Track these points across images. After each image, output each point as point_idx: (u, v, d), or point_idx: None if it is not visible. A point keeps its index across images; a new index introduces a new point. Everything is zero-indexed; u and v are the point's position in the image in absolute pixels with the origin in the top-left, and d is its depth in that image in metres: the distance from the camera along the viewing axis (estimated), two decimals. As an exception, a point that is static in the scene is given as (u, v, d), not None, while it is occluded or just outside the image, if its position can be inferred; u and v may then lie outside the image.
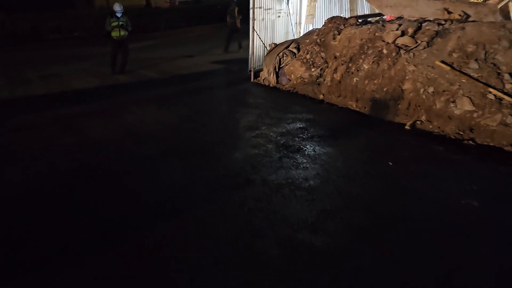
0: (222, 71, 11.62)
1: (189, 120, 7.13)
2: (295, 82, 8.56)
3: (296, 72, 8.52)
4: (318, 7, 12.14)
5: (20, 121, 7.31)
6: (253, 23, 9.76)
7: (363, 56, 7.23)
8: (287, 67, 8.79)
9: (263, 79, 9.35)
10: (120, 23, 11.20)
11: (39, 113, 7.63)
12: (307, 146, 5.92)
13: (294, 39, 9.60)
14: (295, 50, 8.88)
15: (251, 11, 9.72)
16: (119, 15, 11.20)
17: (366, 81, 6.91)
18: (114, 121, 7.10)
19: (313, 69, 8.22)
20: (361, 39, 7.46)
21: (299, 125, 6.70)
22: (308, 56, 8.43)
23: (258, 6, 9.80)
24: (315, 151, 5.74)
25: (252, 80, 9.91)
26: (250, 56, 10.15)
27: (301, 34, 11.85)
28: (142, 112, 7.62)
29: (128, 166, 5.49)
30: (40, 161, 5.73)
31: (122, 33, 11.29)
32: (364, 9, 14.62)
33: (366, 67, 7.08)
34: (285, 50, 8.90)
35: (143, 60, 13.43)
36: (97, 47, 15.92)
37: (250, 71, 10.07)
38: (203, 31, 21.61)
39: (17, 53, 15.59)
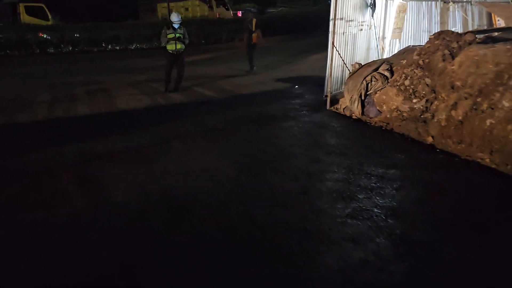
0: (289, 93, 9.58)
1: (250, 174, 4.91)
2: (388, 116, 6.32)
3: (390, 102, 6.35)
4: (405, 19, 9.92)
5: (28, 161, 5.40)
6: (333, 38, 7.65)
7: (501, 89, 4.84)
8: (377, 95, 6.62)
9: (343, 108, 7.18)
10: (177, 35, 9.49)
11: (58, 148, 5.78)
12: (452, 249, 3.35)
13: (385, 59, 7.37)
14: (387, 73, 6.74)
15: (331, 23, 7.57)
16: (176, 26, 9.52)
17: (509, 127, 4.64)
18: (147, 170, 5.01)
19: (414, 100, 6.03)
20: (497, 64, 5.06)
21: (414, 193, 4.33)
22: (406, 82, 6.26)
23: (339, 17, 7.77)
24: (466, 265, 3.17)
25: (328, 107, 7.72)
26: (326, 78, 7.94)
27: (385, 51, 9.70)
28: (188, 155, 5.53)
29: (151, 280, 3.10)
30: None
31: (179, 46, 9.58)
32: (456, 22, 12.17)
33: (507, 104, 4.71)
34: (374, 73, 6.73)
35: (200, 76, 11.66)
36: (155, 59, 14.48)
37: (326, 96, 7.87)
38: (267, 44, 19.77)
39: (72, 64, 14.30)
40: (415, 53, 6.54)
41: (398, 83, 6.30)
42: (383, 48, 9.43)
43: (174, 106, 8.52)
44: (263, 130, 6.61)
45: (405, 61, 6.59)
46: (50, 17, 18.99)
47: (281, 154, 5.52)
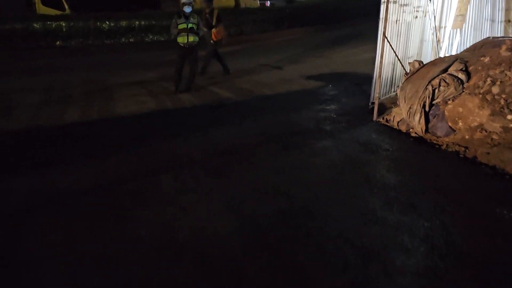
0: (321, 94, 7.66)
1: (266, 248, 2.95)
2: (467, 137, 4.29)
3: (470, 117, 4.31)
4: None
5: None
6: (385, 27, 5.55)
7: None
8: (449, 105, 4.55)
9: (398, 122, 5.22)
10: (190, 25, 7.76)
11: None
12: None
13: (457, 56, 5.33)
14: (462, 76, 4.82)
15: (382, 7, 5.49)
16: (188, 10, 7.61)
17: None
18: (118, 229, 3.18)
19: (510, 117, 4.16)
20: None
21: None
22: (495, 90, 4.23)
23: (393, 0, 5.86)
24: None
25: (375, 117, 5.74)
26: (374, 79, 5.94)
27: (442, 43, 7.68)
28: (176, 204, 3.55)
29: None
30: None
31: (191, 39, 7.77)
32: (523, 9, 9.96)
33: None
34: (443, 74, 4.80)
35: (218, 73, 9.85)
36: (170, 52, 12.82)
37: (373, 103, 5.87)
38: (295, 35, 17.64)
39: (79, 58, 12.53)
40: (504, 47, 4.56)
41: (482, 90, 4.32)
42: (439, 40, 7.42)
43: (181, 112, 6.72)
44: (288, 154, 4.69)
45: (488, 58, 4.62)
46: (66, 6, 17.54)
47: (314, 205, 3.52)
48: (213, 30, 8.95)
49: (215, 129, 5.61)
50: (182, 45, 7.67)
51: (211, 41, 9.05)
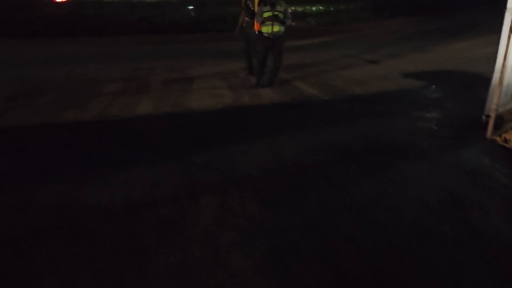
0: (421, 97, 6.37)
1: None
2: None
3: None
4: None
5: None
6: None
7: None
8: None
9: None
10: (276, 13, 7.06)
11: (31, 191, 3.46)
12: None
13: None
14: None
15: None
16: (273, -1, 6.88)
17: None
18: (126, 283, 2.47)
19: None
20: None
21: None
22: None
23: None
24: None
25: (489, 134, 4.48)
26: (492, 85, 4.69)
27: None
28: (218, 241, 2.81)
29: None
30: None
31: (276, 29, 6.97)
32: None
33: None
34: None
35: (306, 65, 8.96)
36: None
37: (488, 116, 4.59)
38: (398, 26, 15.93)
39: (167, 45, 12.44)
40: None
41: None
42: None
43: (255, 110, 6.00)
44: (368, 181, 3.66)
45: None
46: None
47: (396, 270, 2.53)
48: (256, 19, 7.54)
49: (286, 137, 4.79)
50: (266, 35, 6.95)
51: (253, 32, 7.43)
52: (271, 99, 6.53)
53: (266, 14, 6.82)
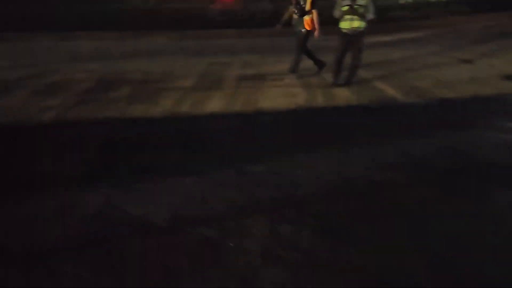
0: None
1: None
2: None
3: None
4: None
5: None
6: None
7: None
8: None
9: None
10: (356, 7, 6.35)
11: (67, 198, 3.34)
12: None
13: None
14: None
15: None
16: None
17: None
18: None
19: None
20: None
21: None
22: None
23: None
24: None
25: None
26: None
27: None
28: (259, 279, 2.39)
29: None
30: None
31: (356, 24, 6.33)
32: None
33: None
34: None
35: (389, 63, 8.22)
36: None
37: None
38: (496, 21, 14.37)
39: (249, 40, 11.90)
40: None
41: None
42: None
43: (328, 112, 5.55)
44: (448, 211, 3.04)
45: None
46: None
47: None
48: (306, 17, 6.94)
49: (357, 147, 4.26)
50: (345, 31, 6.43)
51: (302, 30, 7.04)
52: (346, 101, 6.03)
53: (345, 8, 6.30)
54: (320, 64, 7.36)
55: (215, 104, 5.94)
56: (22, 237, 2.80)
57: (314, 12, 6.90)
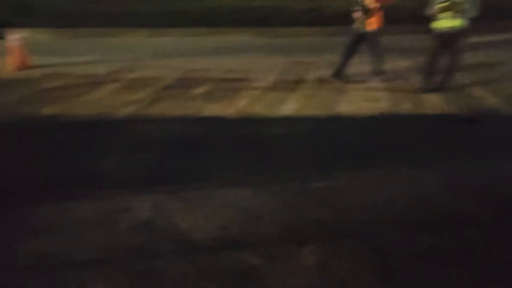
0: None
1: None
2: None
3: None
4: None
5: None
6: None
7: None
8: None
9: None
10: (456, 1, 5.62)
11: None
12: None
13: None
14: None
15: None
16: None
17: None
18: None
19: None
20: None
21: None
22: None
23: None
24: None
25: None
26: None
27: None
28: None
29: None
30: None
31: (454, 23, 5.67)
32: None
33: None
34: None
35: (491, 67, 7.20)
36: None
37: None
38: None
39: (337, 38, 11.34)
40: None
41: None
42: None
43: (416, 122, 4.97)
44: None
45: None
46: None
47: None
48: (370, 15, 6.33)
49: (442, 167, 3.69)
50: (441, 30, 5.74)
51: (369, 30, 6.43)
52: (435, 108, 5.39)
53: (441, 5, 5.62)
54: (340, 74, 6.77)
55: (290, 106, 5.66)
56: (65, 243, 2.74)
57: (379, 8, 6.32)
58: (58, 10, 12.65)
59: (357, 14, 6.49)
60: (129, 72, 7.74)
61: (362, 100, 5.82)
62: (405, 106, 5.51)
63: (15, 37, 8.07)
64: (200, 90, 6.54)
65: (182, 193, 3.30)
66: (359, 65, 7.72)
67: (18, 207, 3.10)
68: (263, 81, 6.97)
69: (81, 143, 4.53)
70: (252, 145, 4.37)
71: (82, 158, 4.13)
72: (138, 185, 3.47)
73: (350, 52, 6.68)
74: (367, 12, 6.35)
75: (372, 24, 6.39)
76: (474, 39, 7.97)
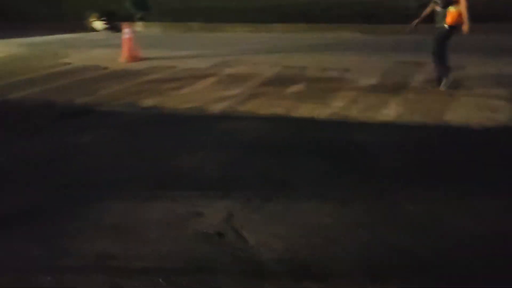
0: None
1: None
2: None
3: None
4: None
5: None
6: None
7: None
8: None
9: None
10: None
11: None
12: None
13: None
14: None
15: None
16: None
17: None
18: None
19: None
20: None
21: None
22: None
23: None
24: None
25: None
26: None
27: None
28: None
29: None
30: None
31: None
32: None
33: None
34: None
35: None
36: None
37: None
38: None
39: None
40: None
41: None
42: None
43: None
44: None
45: None
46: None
47: None
48: (451, 8, 5.40)
49: None
50: None
51: (445, 26, 5.52)
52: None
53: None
54: (443, 76, 5.86)
55: (390, 111, 5.14)
56: (128, 246, 2.62)
57: (463, 1, 5.39)
58: (167, 6, 13.33)
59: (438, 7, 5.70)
60: (227, 67, 7.79)
61: (475, 108, 5.07)
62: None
63: (127, 31, 8.61)
64: (295, 88, 6.30)
65: (257, 202, 3.05)
66: (481, 66, 6.85)
67: (98, 203, 3.12)
68: (363, 81, 6.49)
69: (169, 138, 4.56)
70: (343, 153, 3.98)
71: (167, 154, 4.11)
72: (214, 188, 3.32)
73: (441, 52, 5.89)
74: (447, 4, 5.55)
75: (451, 18, 5.54)
76: None
